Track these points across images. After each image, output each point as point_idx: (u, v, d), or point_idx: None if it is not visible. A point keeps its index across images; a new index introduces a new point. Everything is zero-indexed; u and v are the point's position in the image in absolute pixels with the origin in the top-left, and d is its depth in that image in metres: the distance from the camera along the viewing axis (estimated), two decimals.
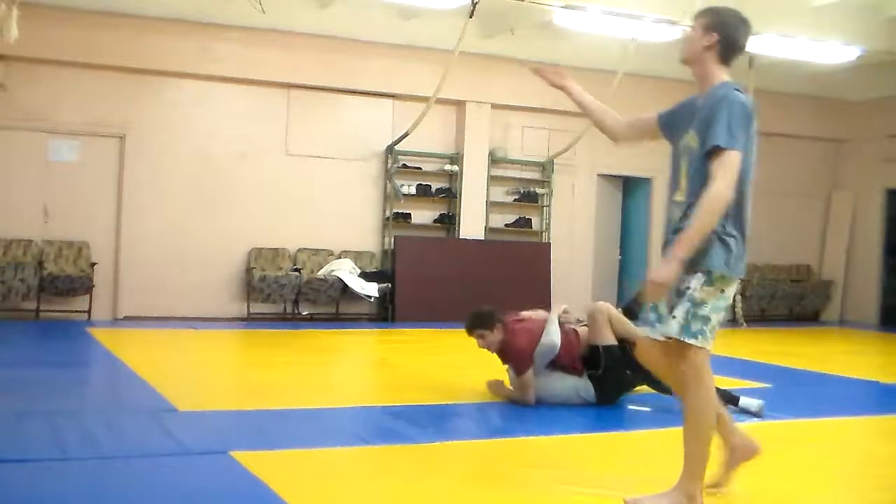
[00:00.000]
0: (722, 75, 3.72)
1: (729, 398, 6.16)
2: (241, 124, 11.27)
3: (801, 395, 6.94)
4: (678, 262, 3.44)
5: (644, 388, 6.53)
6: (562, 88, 4.20)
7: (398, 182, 11.92)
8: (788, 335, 12.18)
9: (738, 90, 3.64)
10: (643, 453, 4.81)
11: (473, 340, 6.00)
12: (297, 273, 11.23)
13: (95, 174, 10.72)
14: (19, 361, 7.33)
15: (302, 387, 6.58)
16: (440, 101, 11.35)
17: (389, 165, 11.88)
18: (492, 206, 12.54)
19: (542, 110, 12.63)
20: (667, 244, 3.64)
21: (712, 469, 3.75)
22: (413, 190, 12.07)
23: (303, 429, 5.04)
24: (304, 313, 11.43)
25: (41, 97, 10.38)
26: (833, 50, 11.46)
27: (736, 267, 3.56)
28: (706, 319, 3.53)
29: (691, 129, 3.65)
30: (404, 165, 12.04)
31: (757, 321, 13.63)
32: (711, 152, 3.49)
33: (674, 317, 3.53)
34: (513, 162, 12.71)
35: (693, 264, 3.51)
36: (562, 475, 4.15)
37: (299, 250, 11.60)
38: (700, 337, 3.53)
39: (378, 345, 10.10)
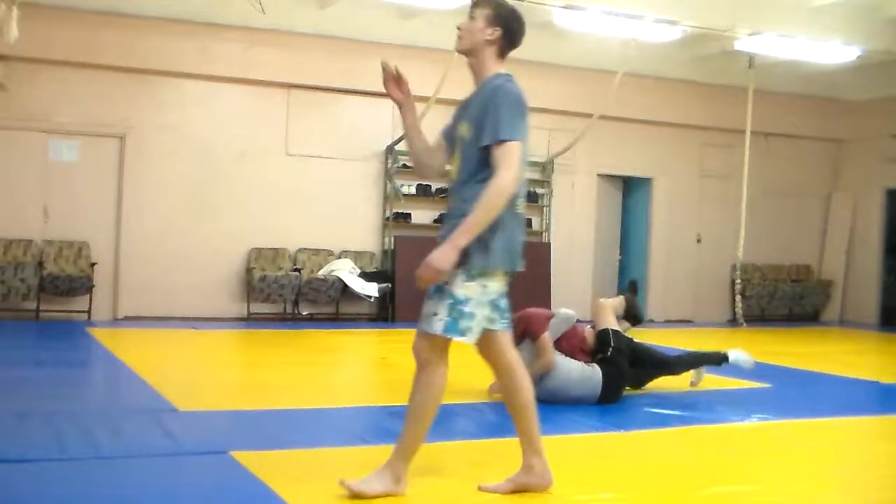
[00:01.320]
0: (497, 68, 3.68)
1: (717, 359, 6.50)
2: (241, 124, 11.27)
3: (801, 395, 6.95)
4: (455, 250, 3.45)
5: (649, 388, 6.55)
6: (397, 103, 3.85)
7: (398, 182, 11.92)
8: (788, 335, 12.19)
9: (510, 81, 3.62)
10: (643, 453, 4.81)
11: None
12: (297, 273, 11.23)
13: (95, 174, 10.72)
14: (19, 361, 7.33)
15: (302, 387, 6.58)
16: (440, 101, 11.32)
17: (389, 165, 11.88)
18: None
19: (543, 110, 12.58)
20: (452, 228, 3.61)
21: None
22: (413, 190, 12.07)
23: (303, 429, 5.03)
24: (304, 313, 11.43)
25: (41, 97, 10.38)
26: (833, 50, 11.46)
27: (502, 261, 3.58)
28: (471, 316, 3.56)
29: (463, 119, 3.67)
30: (404, 165, 12.03)
31: (757, 321, 13.63)
32: (493, 144, 3.49)
33: (435, 314, 3.54)
34: None
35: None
36: (562, 475, 4.15)
37: (299, 250, 11.60)
38: (468, 334, 3.57)
39: (378, 345, 10.10)
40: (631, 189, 13.87)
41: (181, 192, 11.00)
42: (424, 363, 3.61)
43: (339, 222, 11.78)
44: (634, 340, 6.43)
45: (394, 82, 3.86)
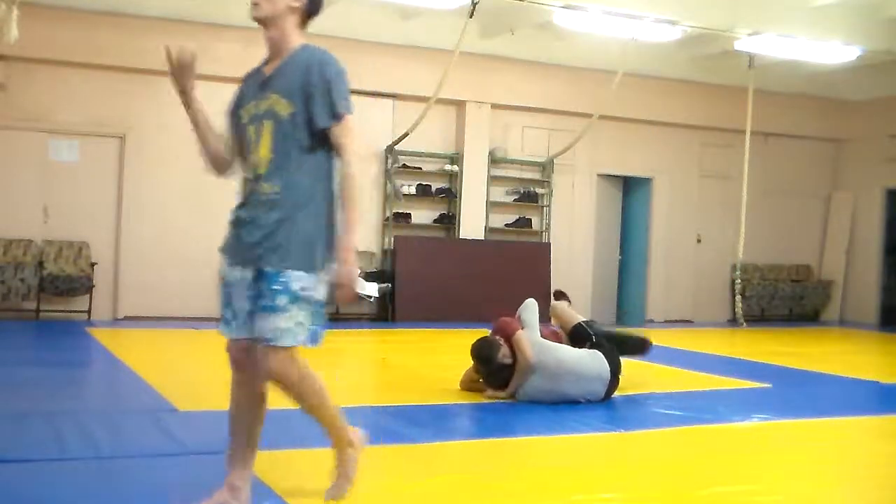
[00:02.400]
0: (301, 39, 3.34)
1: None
2: None
3: (801, 395, 6.94)
4: (353, 255, 3.14)
5: (654, 388, 6.55)
6: (182, 89, 3.57)
7: (398, 182, 11.92)
8: (788, 335, 12.18)
9: (326, 50, 3.28)
10: (643, 453, 4.81)
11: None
12: None
13: (95, 174, 10.71)
14: (19, 361, 7.32)
15: None
16: (440, 101, 11.35)
17: (389, 165, 11.88)
18: (492, 206, 12.54)
19: (542, 110, 12.63)
20: (244, 223, 3.24)
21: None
22: (413, 190, 12.07)
23: (303, 429, 5.01)
24: None
25: (41, 97, 10.38)
26: (833, 50, 11.47)
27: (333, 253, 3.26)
28: (322, 315, 3.28)
29: (270, 93, 3.27)
30: (404, 165, 12.04)
31: (757, 321, 13.63)
32: (335, 121, 3.17)
33: (300, 323, 3.18)
34: (513, 162, 12.71)
35: (303, 262, 3.17)
36: (562, 475, 4.15)
37: None
38: (321, 337, 3.29)
39: (378, 345, 10.10)
40: (631, 189, 13.87)
41: (181, 192, 10.99)
42: (298, 378, 3.30)
43: None
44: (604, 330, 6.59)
45: (185, 69, 3.53)
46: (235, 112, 3.43)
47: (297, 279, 3.16)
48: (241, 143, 3.39)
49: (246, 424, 3.39)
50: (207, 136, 3.48)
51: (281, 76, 3.27)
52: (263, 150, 3.24)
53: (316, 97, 3.18)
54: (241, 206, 3.32)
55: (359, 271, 3.16)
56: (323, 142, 3.24)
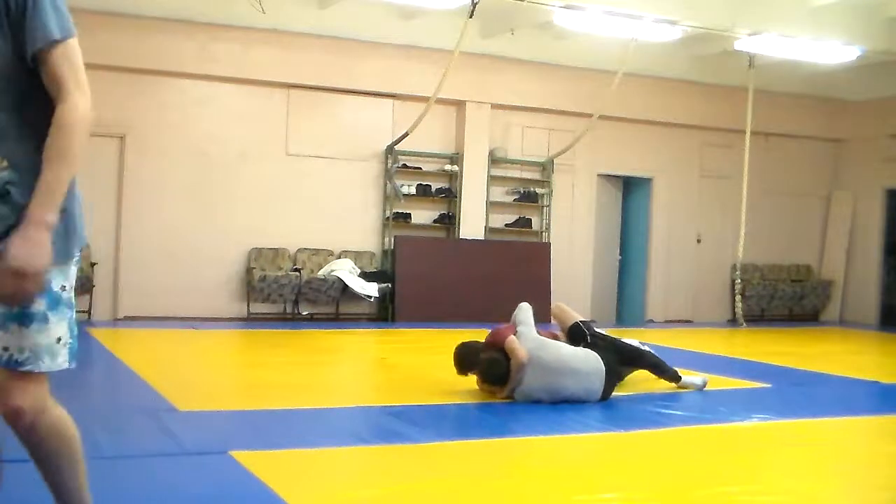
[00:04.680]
0: None
1: (674, 376, 6.55)
2: (241, 124, 11.27)
3: (801, 395, 6.94)
4: (48, 230, 2.14)
5: (654, 388, 6.55)
6: None
7: (398, 182, 11.92)
8: (788, 335, 12.18)
9: None
10: (643, 453, 4.81)
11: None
12: (297, 273, 11.23)
13: (95, 174, 10.70)
14: None
15: (302, 387, 6.57)
16: (440, 101, 11.35)
17: (389, 165, 11.88)
18: (492, 206, 12.54)
19: (542, 110, 12.63)
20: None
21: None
22: (413, 190, 12.07)
23: (303, 429, 5.03)
24: (304, 313, 11.43)
25: None
26: (833, 50, 11.47)
27: (83, 236, 2.38)
28: (75, 323, 2.41)
29: None
30: (404, 165, 12.04)
31: (757, 321, 13.64)
32: (48, 50, 2.19)
33: (59, 339, 2.32)
34: (513, 162, 12.70)
35: (59, 252, 2.25)
36: (562, 475, 4.16)
37: (299, 250, 11.60)
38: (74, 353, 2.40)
39: (378, 345, 10.10)
40: (631, 189, 13.87)
41: (181, 192, 10.99)
42: (38, 414, 2.42)
43: (339, 222, 11.78)
44: (604, 332, 6.57)
45: None
46: None
47: (57, 276, 2.29)
48: None
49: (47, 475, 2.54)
50: None
51: None
52: None
53: (25, 15, 2.19)
54: None
55: (48, 253, 2.15)
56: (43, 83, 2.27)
